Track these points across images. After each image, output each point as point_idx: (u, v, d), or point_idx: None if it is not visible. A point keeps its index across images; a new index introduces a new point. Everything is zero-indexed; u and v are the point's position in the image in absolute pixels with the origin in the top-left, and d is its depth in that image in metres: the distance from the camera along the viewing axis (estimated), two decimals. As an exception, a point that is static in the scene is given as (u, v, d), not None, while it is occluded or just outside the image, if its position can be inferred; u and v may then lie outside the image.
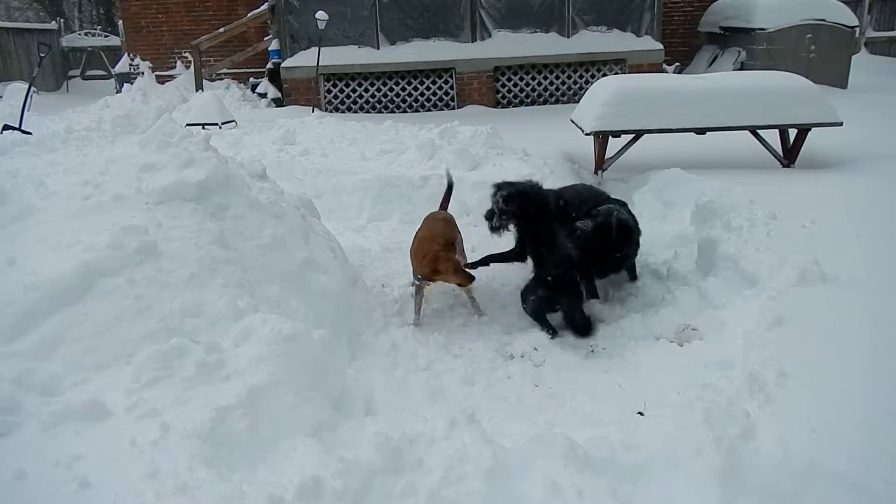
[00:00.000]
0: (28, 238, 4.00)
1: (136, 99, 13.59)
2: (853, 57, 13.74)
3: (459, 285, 4.98)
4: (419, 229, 5.37)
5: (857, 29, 14.37)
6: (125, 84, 15.38)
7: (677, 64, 15.32)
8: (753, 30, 13.39)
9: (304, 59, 13.18)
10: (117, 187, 4.32)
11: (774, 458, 2.79)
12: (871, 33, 17.68)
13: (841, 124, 7.70)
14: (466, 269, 4.98)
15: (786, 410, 3.15)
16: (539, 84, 13.73)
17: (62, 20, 22.84)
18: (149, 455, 2.71)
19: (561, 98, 13.75)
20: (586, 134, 7.86)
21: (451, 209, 5.90)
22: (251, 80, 15.16)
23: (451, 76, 13.52)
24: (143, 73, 15.65)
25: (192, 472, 2.65)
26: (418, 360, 4.49)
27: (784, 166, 7.93)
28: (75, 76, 20.39)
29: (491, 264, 5.46)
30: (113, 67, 18.02)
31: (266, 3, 14.11)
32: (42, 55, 11.98)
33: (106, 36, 21.82)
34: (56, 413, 2.92)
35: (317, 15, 12.13)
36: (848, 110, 8.04)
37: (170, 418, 2.89)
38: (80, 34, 22.46)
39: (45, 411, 2.93)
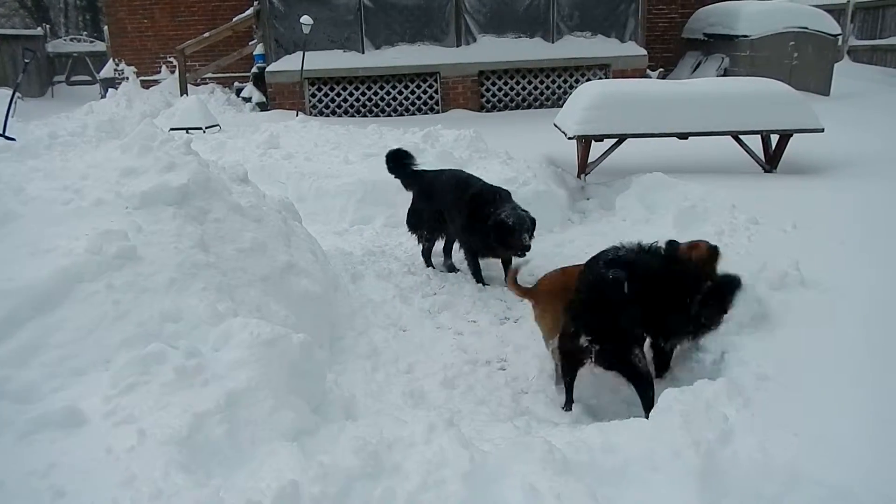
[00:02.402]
0: (6, 244, 3.93)
1: (121, 104, 13.54)
2: (836, 65, 13.87)
3: None
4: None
5: (840, 37, 14.53)
6: (110, 89, 15.29)
7: (661, 70, 15.42)
8: (737, 37, 13.50)
9: (289, 63, 13.17)
10: (97, 192, 4.27)
11: (754, 461, 2.80)
12: (853, 41, 17.83)
13: (822, 130, 7.76)
14: None
15: (766, 414, 3.17)
16: (523, 89, 13.76)
17: (48, 26, 22.72)
18: (125, 462, 2.68)
19: (545, 103, 13.79)
20: (569, 138, 7.88)
21: None
22: (236, 84, 15.13)
23: (435, 80, 13.54)
24: (127, 79, 15.60)
25: (168, 478, 2.61)
26: (399, 364, 4.49)
27: (766, 171, 7.98)
28: (60, 82, 20.29)
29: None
30: (98, 73, 17.94)
31: (251, 8, 14.09)
32: (27, 61, 11.96)
33: (91, 41, 21.74)
34: (32, 420, 2.87)
35: (301, 19, 12.13)
36: (830, 117, 8.11)
37: (147, 424, 2.85)
38: (65, 40, 22.37)
39: (21, 419, 2.88)
